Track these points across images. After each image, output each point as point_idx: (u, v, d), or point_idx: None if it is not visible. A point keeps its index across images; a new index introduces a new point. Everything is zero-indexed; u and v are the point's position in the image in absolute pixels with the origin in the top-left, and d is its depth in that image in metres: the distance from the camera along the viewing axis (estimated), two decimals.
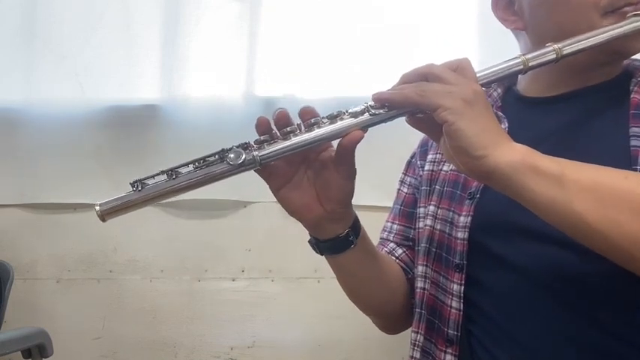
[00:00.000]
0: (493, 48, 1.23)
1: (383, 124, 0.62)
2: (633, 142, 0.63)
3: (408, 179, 0.88)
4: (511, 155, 0.55)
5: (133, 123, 1.46)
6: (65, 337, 1.38)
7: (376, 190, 1.34)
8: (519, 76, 0.80)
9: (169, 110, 1.46)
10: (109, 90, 1.47)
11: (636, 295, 0.60)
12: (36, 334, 1.15)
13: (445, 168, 0.79)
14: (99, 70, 1.47)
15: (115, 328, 1.45)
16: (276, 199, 0.68)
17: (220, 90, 1.45)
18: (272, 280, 1.45)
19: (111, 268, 1.47)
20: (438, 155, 0.82)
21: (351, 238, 0.70)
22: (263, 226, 1.46)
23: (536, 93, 0.76)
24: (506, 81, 0.81)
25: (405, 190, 0.88)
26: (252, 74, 1.45)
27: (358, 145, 0.63)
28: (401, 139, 0.98)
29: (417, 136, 0.89)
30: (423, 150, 0.86)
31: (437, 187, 0.79)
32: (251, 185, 1.38)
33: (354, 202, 0.72)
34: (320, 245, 0.71)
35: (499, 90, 0.81)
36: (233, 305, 1.45)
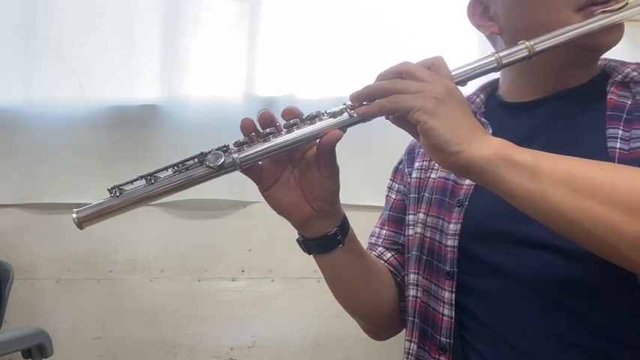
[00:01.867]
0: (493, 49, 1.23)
1: (368, 124, 0.63)
2: (610, 144, 0.64)
3: (396, 185, 0.89)
4: (486, 149, 0.56)
5: (133, 123, 1.46)
6: (65, 337, 1.38)
7: (371, 190, 1.34)
8: (500, 81, 0.81)
9: (169, 110, 1.46)
10: (109, 90, 1.47)
11: (625, 296, 0.61)
12: (36, 334, 1.15)
13: (433, 175, 0.80)
14: (98, 70, 1.47)
15: (115, 328, 1.45)
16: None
17: (220, 90, 1.45)
18: (272, 280, 1.45)
19: (111, 268, 1.47)
20: (425, 162, 0.82)
21: (339, 238, 0.70)
22: (263, 226, 1.46)
23: (517, 98, 0.77)
24: (489, 87, 0.83)
25: (394, 196, 0.88)
26: (252, 74, 1.45)
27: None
28: (396, 139, 0.98)
29: (411, 138, 0.90)
30: (410, 157, 0.87)
31: (425, 194, 0.79)
32: (251, 185, 1.39)
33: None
34: (307, 244, 0.72)
35: (482, 96, 0.82)
36: (233, 305, 1.45)
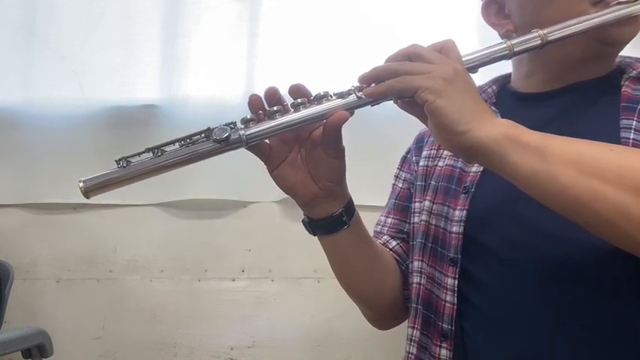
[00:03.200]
0: None
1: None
2: (623, 135, 0.64)
3: (403, 174, 0.89)
4: (493, 129, 0.55)
5: (133, 123, 1.46)
6: (65, 337, 1.38)
7: (371, 190, 1.34)
8: (513, 74, 0.81)
9: (169, 110, 1.46)
10: (109, 90, 1.47)
11: (629, 285, 0.61)
12: (36, 334, 1.15)
13: (440, 164, 0.79)
14: (98, 70, 1.47)
15: (115, 328, 1.45)
16: (273, 180, 0.70)
17: (220, 90, 1.45)
18: (272, 280, 1.45)
19: (111, 268, 1.47)
20: (432, 151, 0.82)
21: (344, 218, 0.70)
22: (263, 226, 1.46)
23: (531, 89, 0.76)
24: (502, 80, 0.83)
25: (400, 184, 0.88)
26: (252, 74, 1.45)
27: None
28: (397, 139, 0.99)
29: (414, 136, 0.90)
30: (419, 146, 0.87)
31: (432, 182, 0.79)
32: (251, 185, 1.40)
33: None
34: (313, 224, 0.72)
35: (494, 87, 0.82)
36: (233, 305, 1.45)
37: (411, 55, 0.61)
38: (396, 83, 0.59)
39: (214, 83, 1.45)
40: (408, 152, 0.90)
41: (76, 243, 1.47)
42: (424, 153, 0.83)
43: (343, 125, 0.65)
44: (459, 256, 0.71)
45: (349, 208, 0.71)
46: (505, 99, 0.79)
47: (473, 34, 1.37)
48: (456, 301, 0.70)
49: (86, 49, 1.48)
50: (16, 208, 1.48)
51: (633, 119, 0.64)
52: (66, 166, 1.45)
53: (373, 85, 0.62)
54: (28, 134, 1.47)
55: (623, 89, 0.68)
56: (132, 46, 1.47)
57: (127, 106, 1.47)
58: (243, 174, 1.38)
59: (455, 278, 0.71)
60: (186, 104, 1.45)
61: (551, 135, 0.56)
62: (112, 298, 1.46)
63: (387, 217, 0.87)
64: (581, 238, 0.57)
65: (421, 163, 0.83)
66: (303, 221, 0.73)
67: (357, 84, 0.64)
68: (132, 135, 1.46)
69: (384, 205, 0.91)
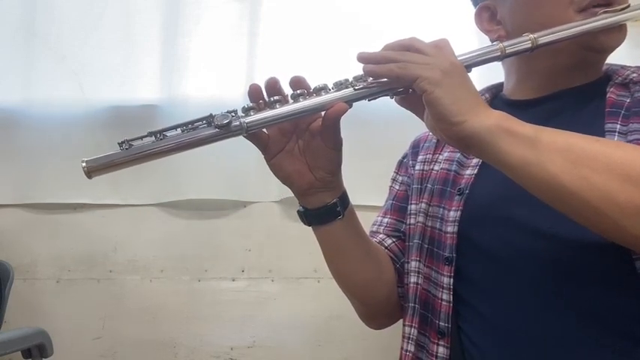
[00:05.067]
0: None
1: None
2: (608, 137, 0.66)
3: (400, 178, 0.91)
4: (487, 119, 0.58)
5: (132, 123, 1.46)
6: (65, 337, 1.38)
7: (371, 190, 1.34)
8: (505, 82, 0.83)
9: (169, 110, 1.46)
10: (109, 90, 1.47)
11: (622, 284, 0.62)
12: (36, 334, 1.15)
13: (436, 167, 0.82)
14: (98, 70, 1.47)
15: (115, 328, 1.45)
16: (270, 170, 0.71)
17: (220, 90, 1.45)
18: (272, 280, 1.46)
19: (111, 268, 1.47)
20: (428, 156, 0.85)
21: (338, 209, 0.72)
22: (263, 226, 1.46)
23: (521, 96, 0.79)
24: (495, 89, 0.86)
25: (397, 187, 0.91)
26: (252, 74, 1.45)
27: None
28: (396, 139, 0.99)
29: (412, 137, 0.92)
30: (415, 151, 0.89)
31: (428, 185, 0.81)
32: (251, 185, 1.40)
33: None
34: (308, 214, 0.74)
35: (487, 95, 0.84)
36: (233, 305, 1.45)
37: (409, 47, 0.63)
38: (397, 68, 0.61)
39: (214, 83, 1.45)
40: (404, 157, 0.92)
41: (76, 243, 1.47)
42: (420, 157, 0.86)
43: (344, 126, 0.67)
44: (454, 255, 0.72)
45: (344, 200, 0.74)
46: (497, 106, 0.82)
47: (473, 38, 1.37)
48: (451, 300, 0.72)
49: (86, 49, 1.48)
50: (16, 208, 1.48)
51: (617, 123, 0.66)
52: (66, 166, 1.45)
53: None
54: (27, 134, 1.47)
55: (608, 95, 0.70)
56: (132, 46, 1.48)
57: (127, 106, 1.47)
58: (243, 174, 1.38)
59: (450, 277, 0.72)
60: (186, 104, 1.45)
61: (542, 127, 0.58)
62: (112, 298, 1.46)
63: (384, 217, 0.89)
64: (573, 234, 0.59)
65: (417, 167, 0.85)
66: (298, 211, 0.75)
67: (352, 79, 0.66)
68: (132, 135, 1.45)
69: (387, 196, 0.92)
